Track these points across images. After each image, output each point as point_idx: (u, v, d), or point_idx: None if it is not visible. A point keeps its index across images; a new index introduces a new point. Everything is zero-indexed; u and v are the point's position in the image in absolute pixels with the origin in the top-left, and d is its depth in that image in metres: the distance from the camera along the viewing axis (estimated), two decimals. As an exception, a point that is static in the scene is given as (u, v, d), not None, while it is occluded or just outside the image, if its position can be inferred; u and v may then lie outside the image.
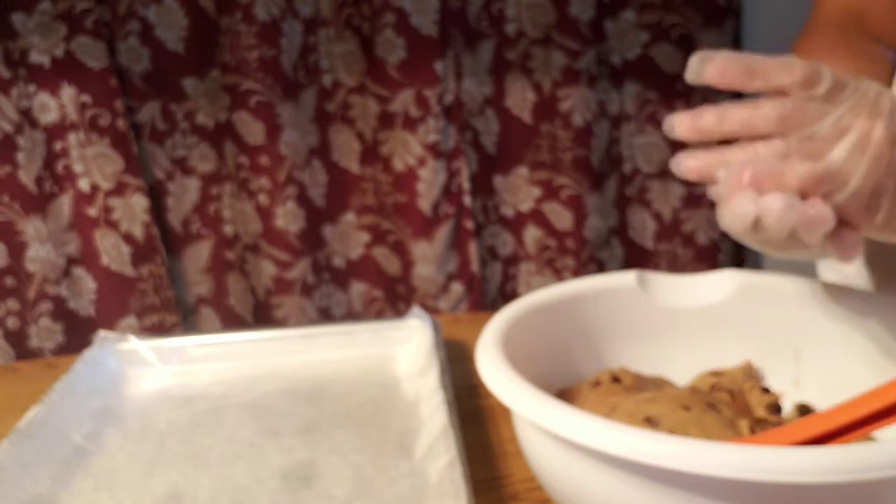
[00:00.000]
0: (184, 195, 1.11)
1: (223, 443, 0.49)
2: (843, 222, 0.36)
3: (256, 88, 1.06)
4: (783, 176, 0.35)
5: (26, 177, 1.01)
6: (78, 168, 1.04)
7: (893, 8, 0.55)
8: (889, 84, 0.51)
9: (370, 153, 1.15)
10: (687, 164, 0.38)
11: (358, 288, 1.21)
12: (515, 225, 1.21)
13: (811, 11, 0.58)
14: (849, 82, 0.36)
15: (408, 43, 1.09)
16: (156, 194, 1.09)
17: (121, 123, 1.03)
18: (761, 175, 0.35)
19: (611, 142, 1.19)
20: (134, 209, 1.07)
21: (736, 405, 0.42)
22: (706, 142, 0.38)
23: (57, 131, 1.03)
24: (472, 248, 1.19)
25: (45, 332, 1.07)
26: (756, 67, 0.36)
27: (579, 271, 1.20)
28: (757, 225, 0.35)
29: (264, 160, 1.10)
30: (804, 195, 0.35)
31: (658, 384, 0.46)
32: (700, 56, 0.36)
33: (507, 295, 1.24)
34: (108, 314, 1.10)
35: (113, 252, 1.08)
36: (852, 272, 0.62)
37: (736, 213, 0.36)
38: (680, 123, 0.38)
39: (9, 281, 1.04)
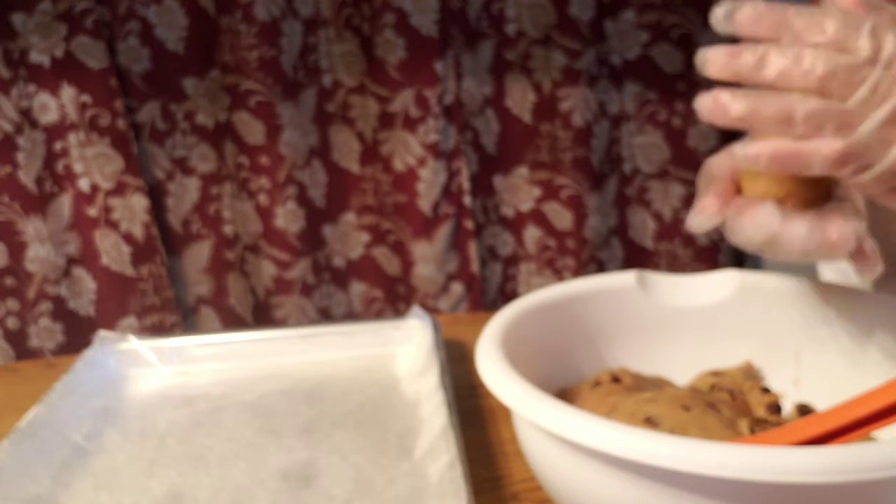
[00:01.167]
0: (184, 195, 1.11)
1: (223, 443, 0.49)
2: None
3: (256, 88, 1.06)
4: (808, 157, 0.33)
5: (26, 177, 1.01)
6: (78, 168, 1.04)
7: None
8: None
9: (370, 153, 1.15)
10: (709, 105, 0.35)
11: (358, 288, 1.21)
12: (515, 225, 1.21)
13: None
14: (886, 35, 0.32)
15: (408, 43, 1.09)
16: (156, 194, 1.09)
17: (121, 123, 1.03)
18: (782, 157, 0.33)
19: (611, 142, 1.19)
20: (134, 209, 1.07)
21: (736, 405, 0.42)
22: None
23: (57, 131, 1.03)
24: (472, 248, 1.19)
25: (45, 332, 1.07)
26: (789, 22, 0.33)
27: (579, 271, 1.20)
28: (773, 239, 0.34)
29: (264, 160, 1.10)
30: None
31: (658, 384, 0.46)
32: (730, 4, 0.34)
33: (507, 295, 1.24)
34: (108, 314, 1.10)
35: (113, 252, 1.08)
36: (852, 272, 0.62)
37: (756, 226, 0.34)
38: (715, 60, 0.35)
39: (9, 281, 1.04)
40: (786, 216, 0.34)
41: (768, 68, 0.33)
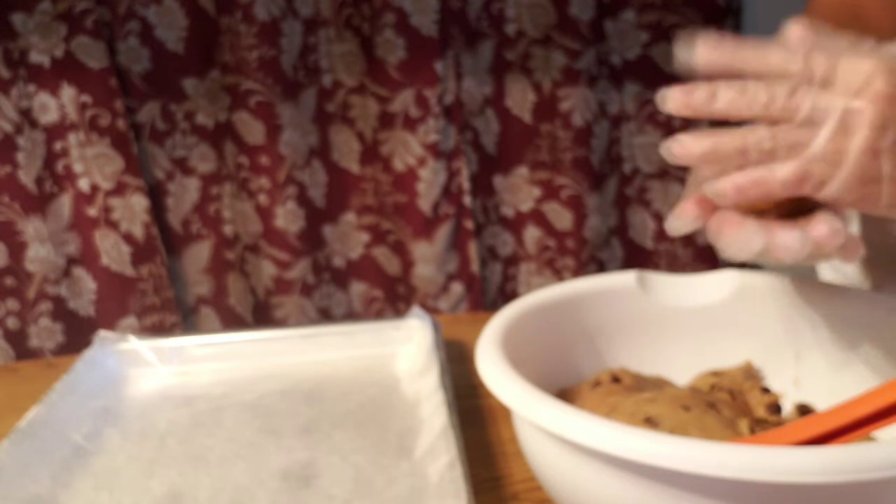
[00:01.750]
0: (184, 195, 1.11)
1: (223, 443, 0.49)
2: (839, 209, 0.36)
3: (256, 88, 1.06)
4: (766, 184, 0.35)
5: (26, 177, 1.01)
6: (78, 168, 1.04)
7: (886, 4, 0.55)
8: None
9: (370, 153, 1.15)
10: (675, 149, 0.37)
11: (358, 288, 1.21)
12: (515, 225, 1.21)
13: (806, 6, 0.58)
14: (841, 59, 0.34)
15: (408, 43, 1.09)
16: (156, 194, 1.09)
17: (121, 123, 1.03)
18: (744, 187, 0.35)
19: (611, 142, 1.19)
20: (134, 209, 1.07)
21: (736, 405, 0.42)
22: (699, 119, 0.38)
23: (57, 131, 1.03)
24: (472, 248, 1.19)
25: (45, 332, 1.07)
26: (738, 59, 0.36)
27: (579, 271, 1.20)
28: (762, 252, 0.35)
29: (264, 160, 1.10)
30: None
31: (658, 384, 0.46)
32: (686, 44, 0.37)
33: (507, 295, 1.24)
34: (108, 314, 1.10)
35: (113, 252, 1.08)
36: (852, 272, 0.62)
37: (741, 245, 0.36)
38: (672, 98, 0.37)
39: (9, 281, 1.04)
40: (769, 230, 0.36)
41: (718, 102, 0.36)
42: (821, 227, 0.35)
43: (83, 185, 1.05)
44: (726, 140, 0.36)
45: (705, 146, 0.36)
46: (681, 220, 0.39)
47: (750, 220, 0.36)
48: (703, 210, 0.39)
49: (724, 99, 0.36)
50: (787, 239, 0.35)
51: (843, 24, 0.55)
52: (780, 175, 0.34)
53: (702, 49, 0.36)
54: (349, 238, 1.19)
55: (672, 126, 1.15)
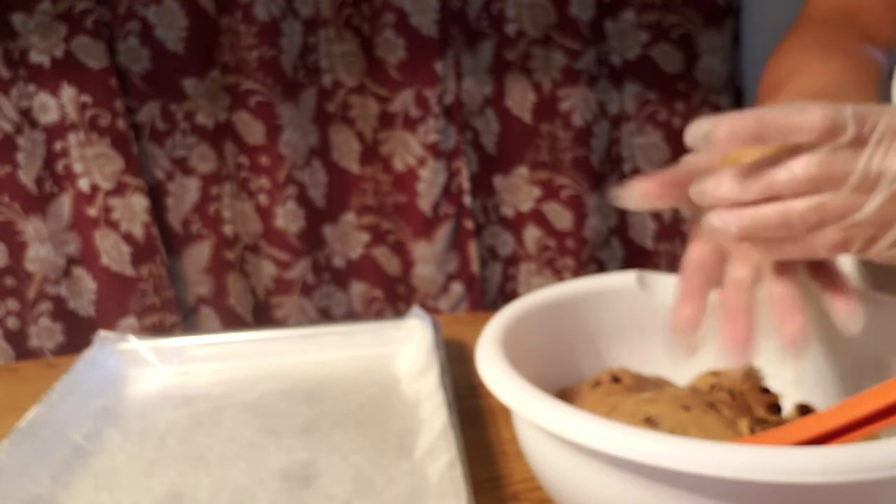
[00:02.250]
0: (184, 195, 1.11)
1: (223, 443, 0.49)
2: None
3: (256, 88, 1.06)
4: (814, 252, 0.34)
5: (26, 177, 1.01)
6: (78, 168, 1.04)
7: (886, 5, 0.55)
8: (876, 87, 0.51)
9: (370, 153, 1.15)
10: (714, 222, 0.35)
11: (358, 288, 1.21)
12: (515, 225, 1.21)
13: (804, 4, 0.58)
14: (870, 114, 0.32)
15: (408, 43, 1.09)
16: (156, 194, 1.09)
17: (121, 123, 1.03)
18: (791, 257, 0.35)
19: (611, 142, 1.19)
20: (134, 209, 1.07)
21: (736, 405, 0.42)
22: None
23: (57, 131, 1.03)
24: (472, 248, 1.19)
25: (45, 332, 1.07)
26: (769, 126, 0.32)
27: (579, 271, 1.20)
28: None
29: (264, 160, 1.10)
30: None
31: (658, 384, 0.46)
32: (703, 121, 0.33)
33: (507, 295, 1.24)
34: (108, 314, 1.10)
35: (113, 252, 1.08)
36: (850, 271, 0.62)
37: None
38: (700, 192, 0.35)
39: (9, 281, 1.04)
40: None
41: (754, 187, 0.33)
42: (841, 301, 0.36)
43: (83, 185, 1.05)
44: (768, 212, 0.34)
45: (745, 221, 0.34)
46: (637, 195, 0.37)
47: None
48: (663, 191, 0.37)
49: (762, 184, 0.33)
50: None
51: (837, 26, 0.55)
52: (824, 241, 0.33)
53: (722, 128, 0.32)
54: (349, 238, 1.19)
55: (672, 126, 1.15)
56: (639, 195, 0.37)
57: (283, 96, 1.07)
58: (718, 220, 0.35)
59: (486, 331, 0.42)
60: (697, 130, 0.33)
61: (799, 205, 0.33)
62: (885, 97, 0.55)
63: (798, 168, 0.33)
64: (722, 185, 0.34)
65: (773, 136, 0.32)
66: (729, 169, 0.34)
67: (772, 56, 0.54)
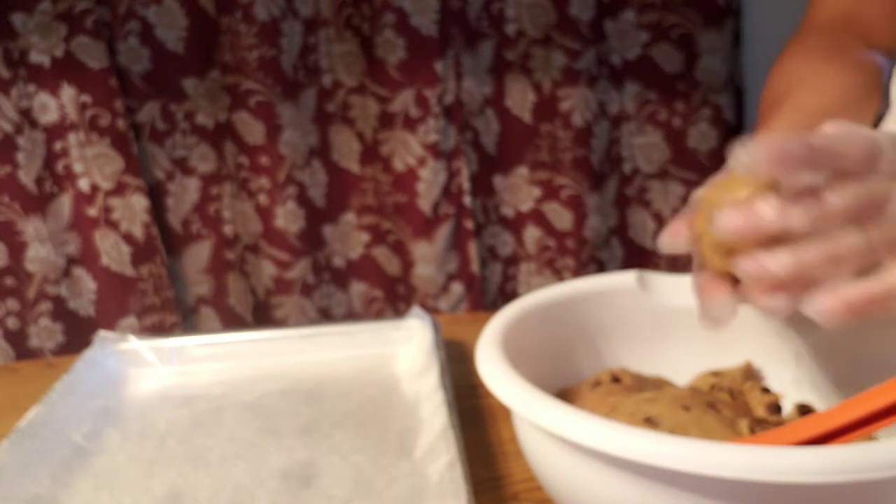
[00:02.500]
0: (184, 195, 1.11)
1: (223, 443, 0.49)
2: None
3: (256, 88, 1.06)
4: (888, 300, 0.32)
5: (26, 177, 1.01)
6: (78, 168, 1.04)
7: (888, 13, 0.55)
8: (880, 93, 0.51)
9: (370, 153, 1.15)
10: (750, 268, 0.33)
11: (358, 288, 1.21)
12: (515, 225, 1.21)
13: (806, 12, 0.58)
14: None
15: (408, 43, 1.09)
16: (156, 194, 1.09)
17: (121, 123, 1.03)
18: (862, 307, 0.31)
19: (611, 142, 1.19)
20: (134, 209, 1.07)
21: (736, 405, 0.42)
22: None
23: (57, 131, 1.03)
24: (472, 248, 1.19)
25: (45, 332, 1.07)
26: (818, 153, 0.31)
27: (579, 271, 1.20)
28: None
29: (264, 160, 1.10)
30: None
31: (658, 384, 0.46)
32: (748, 144, 0.31)
33: (507, 295, 1.24)
34: (108, 314, 1.10)
35: (113, 252, 1.08)
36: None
37: (717, 310, 0.36)
38: (732, 222, 0.32)
39: (9, 281, 1.04)
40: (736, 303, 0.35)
41: (792, 218, 0.32)
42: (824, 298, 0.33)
43: (83, 185, 1.05)
44: (812, 253, 0.32)
45: (787, 264, 0.32)
46: (672, 240, 0.38)
47: (724, 289, 0.36)
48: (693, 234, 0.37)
49: (801, 216, 0.32)
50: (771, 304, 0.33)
51: (839, 33, 0.55)
52: (887, 285, 0.31)
53: (771, 151, 0.31)
54: (349, 238, 1.19)
55: (672, 126, 1.15)
56: (677, 242, 0.37)
57: (283, 96, 1.07)
58: (755, 265, 0.32)
59: (486, 331, 0.42)
60: (743, 153, 0.31)
61: (843, 240, 0.32)
62: (886, 100, 0.55)
63: (838, 200, 0.31)
64: (763, 217, 0.32)
65: (823, 163, 0.31)
66: (769, 200, 0.32)
67: (774, 64, 0.54)
